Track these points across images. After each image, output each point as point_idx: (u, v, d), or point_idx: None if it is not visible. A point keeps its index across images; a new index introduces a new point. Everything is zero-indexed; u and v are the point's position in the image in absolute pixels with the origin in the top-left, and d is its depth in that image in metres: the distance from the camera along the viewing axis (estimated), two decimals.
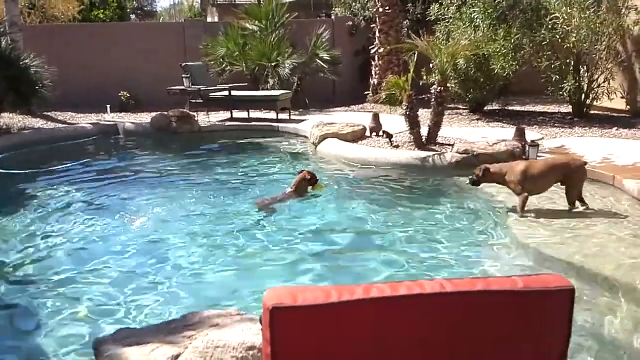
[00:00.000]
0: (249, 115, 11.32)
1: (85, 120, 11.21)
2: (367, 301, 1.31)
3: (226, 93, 10.98)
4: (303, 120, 10.68)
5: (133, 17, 32.45)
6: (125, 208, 5.94)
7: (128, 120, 11.24)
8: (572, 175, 5.16)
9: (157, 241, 4.94)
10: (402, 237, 4.96)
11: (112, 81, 12.91)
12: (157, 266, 4.35)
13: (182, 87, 10.92)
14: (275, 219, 5.49)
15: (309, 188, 6.11)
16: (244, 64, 12.74)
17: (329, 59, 12.80)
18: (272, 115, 11.00)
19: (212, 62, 12.65)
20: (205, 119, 11.07)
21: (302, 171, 6.20)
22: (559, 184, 5.29)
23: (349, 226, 5.34)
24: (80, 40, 13.62)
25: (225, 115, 11.35)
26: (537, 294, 1.41)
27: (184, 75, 10.92)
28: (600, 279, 3.92)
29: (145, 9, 35.51)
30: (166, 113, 10.33)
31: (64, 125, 10.82)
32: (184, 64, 11.44)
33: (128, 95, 12.82)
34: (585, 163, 5.43)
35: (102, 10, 21.86)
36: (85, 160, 8.41)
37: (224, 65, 12.82)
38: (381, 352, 1.39)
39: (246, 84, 12.08)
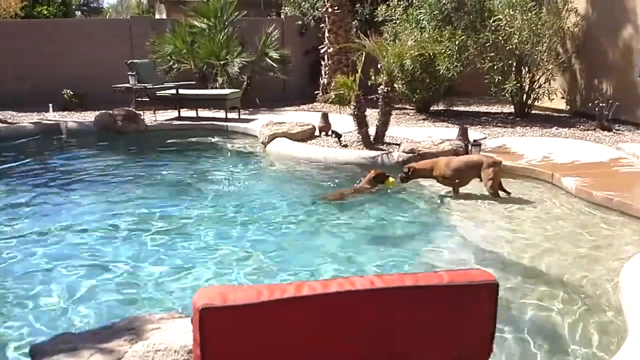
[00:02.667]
0: (197, 114, 11.18)
1: (26, 120, 10.81)
2: (298, 299, 1.33)
3: (173, 91, 10.81)
4: (253, 120, 10.64)
5: (78, 13, 31.49)
6: (62, 210, 5.79)
7: (71, 119, 10.92)
8: (486, 169, 5.75)
9: (97, 243, 4.83)
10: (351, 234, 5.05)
11: (54, 79, 12.49)
12: (93, 269, 4.25)
13: (128, 85, 10.68)
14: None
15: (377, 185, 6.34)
16: (192, 62, 12.57)
17: (278, 58, 12.78)
18: (221, 114, 10.91)
19: (159, 60, 12.41)
20: (152, 117, 10.86)
21: (370, 171, 6.41)
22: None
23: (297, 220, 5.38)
24: (22, 37, 13.11)
25: (172, 114, 11.17)
26: (462, 288, 1.47)
27: (129, 73, 10.67)
28: (535, 272, 4.11)
29: (91, 5, 34.52)
30: (111, 112, 10.09)
31: (3, 125, 10.40)
32: (130, 61, 11.19)
33: (71, 93, 12.44)
34: (500, 161, 6.00)
35: (46, 7, 21.14)
36: (24, 161, 8.12)
37: (171, 63, 12.60)
38: (313, 349, 1.42)
39: (194, 82, 11.92)
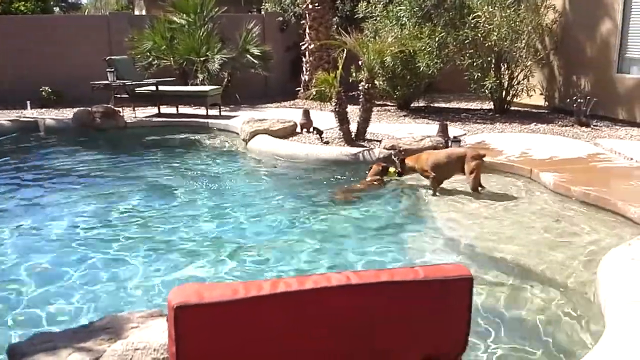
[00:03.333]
0: (177, 110, 11.10)
1: (3, 117, 10.64)
2: (274, 296, 1.33)
3: (153, 88, 10.72)
4: (234, 117, 10.59)
5: (56, 9, 30.99)
6: (38, 208, 5.72)
7: (49, 116, 10.77)
8: (469, 161, 5.80)
9: (74, 242, 4.78)
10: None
11: (32, 76, 12.29)
12: (72, 268, 4.21)
13: (107, 82, 10.57)
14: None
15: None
16: (171, 58, 12.48)
17: (259, 54, 12.72)
18: (201, 111, 10.85)
19: (138, 56, 12.29)
20: (131, 114, 10.76)
21: (373, 165, 6.51)
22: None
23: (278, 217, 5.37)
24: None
25: (152, 110, 11.08)
26: (437, 283, 1.48)
27: (108, 70, 10.56)
28: (513, 265, 4.16)
29: (69, 1, 33.98)
30: (89, 109, 9.97)
31: None
32: (108, 57, 11.07)
33: (50, 90, 12.26)
34: (483, 154, 6.01)
35: (23, 3, 20.78)
36: (1, 159, 8.00)
37: (150, 59, 12.49)
38: (290, 346, 1.42)
39: (174, 79, 11.84)
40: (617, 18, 9.27)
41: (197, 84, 11.92)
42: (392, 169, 6.40)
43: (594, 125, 9.06)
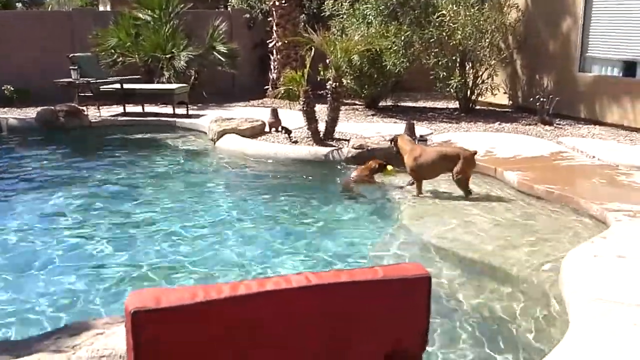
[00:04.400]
0: (143, 109, 10.94)
1: None
2: (234, 299, 1.32)
3: (118, 86, 10.54)
4: (201, 115, 10.50)
5: (19, 5, 30.19)
6: None
7: (12, 115, 10.51)
8: (460, 161, 5.72)
9: (31, 246, 4.68)
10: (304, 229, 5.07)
11: None
12: (29, 272, 4.13)
13: (70, 80, 10.35)
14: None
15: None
16: (136, 56, 12.27)
17: (226, 51, 12.59)
18: (168, 109, 10.71)
19: (103, 53, 12.04)
20: (96, 113, 10.57)
21: (369, 161, 6.51)
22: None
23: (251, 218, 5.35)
24: None
25: (117, 109, 10.89)
26: (397, 282, 1.50)
27: (71, 67, 10.35)
28: (478, 263, 4.23)
29: None
30: (53, 107, 9.76)
31: None
32: (72, 55, 10.84)
33: (12, 89, 11.92)
34: (475, 152, 5.92)
35: None
36: None
37: (115, 57, 12.25)
38: (252, 349, 1.42)
39: (140, 77, 11.65)
40: (579, 18, 9.49)
41: (163, 82, 11.76)
42: (389, 167, 6.35)
43: (557, 124, 9.26)
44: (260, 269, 4.17)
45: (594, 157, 7.02)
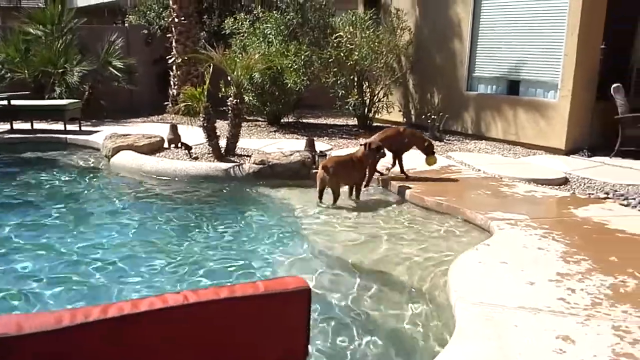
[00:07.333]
0: (32, 126, 10.34)
1: None
2: (104, 322, 1.29)
3: (5, 102, 9.91)
4: (96, 132, 10.09)
5: None
6: None
7: None
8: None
9: None
10: (202, 245, 4.98)
11: None
12: None
13: None
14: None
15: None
16: (25, 71, 11.63)
17: (122, 67, 12.26)
18: (59, 126, 10.19)
19: None
20: None
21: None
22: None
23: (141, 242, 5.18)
24: None
25: (4, 126, 10.22)
26: (277, 296, 1.53)
27: None
28: (372, 271, 4.37)
29: None
30: None
31: None
32: None
33: None
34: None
35: None
36: None
37: (2, 72, 11.57)
38: None
39: (29, 92, 11.03)
40: (466, 40, 10.13)
41: (54, 98, 11.20)
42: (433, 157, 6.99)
43: (447, 140, 9.79)
44: (145, 291, 4.05)
45: (479, 170, 7.48)
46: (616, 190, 6.59)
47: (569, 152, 8.73)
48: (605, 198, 6.31)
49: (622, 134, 8.46)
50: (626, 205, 5.99)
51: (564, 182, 7.11)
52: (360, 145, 6.63)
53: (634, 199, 6.15)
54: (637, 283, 3.87)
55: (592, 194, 6.52)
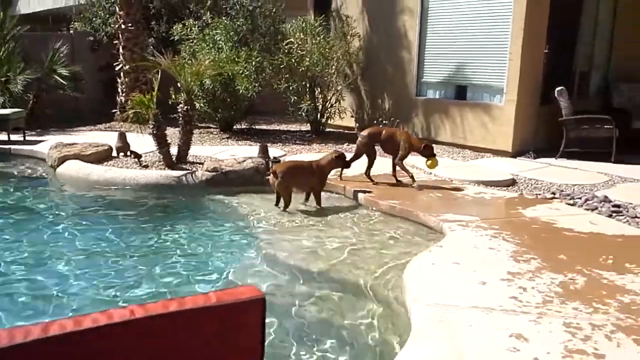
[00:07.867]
0: None
1: None
2: (44, 340, 1.22)
3: None
4: (41, 141, 9.75)
5: None
6: None
7: None
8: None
9: None
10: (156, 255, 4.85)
11: None
12: None
13: None
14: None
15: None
16: None
17: (68, 74, 11.93)
18: (3, 136, 9.81)
19: None
20: None
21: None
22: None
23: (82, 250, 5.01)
24: None
25: None
26: (230, 307, 1.49)
27: None
28: (328, 276, 4.36)
29: None
30: None
31: None
32: None
33: None
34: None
35: None
36: None
37: None
38: None
39: None
40: (414, 46, 10.29)
41: None
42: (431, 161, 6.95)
43: None
44: (90, 307, 3.91)
45: (431, 173, 7.60)
46: (562, 190, 6.81)
47: (515, 154, 8.97)
48: (552, 198, 6.50)
49: (566, 135, 8.77)
50: (572, 205, 6.19)
51: (511, 183, 7.30)
52: (359, 134, 7.19)
53: (580, 198, 6.36)
54: (586, 280, 4.00)
55: (540, 194, 6.71)
